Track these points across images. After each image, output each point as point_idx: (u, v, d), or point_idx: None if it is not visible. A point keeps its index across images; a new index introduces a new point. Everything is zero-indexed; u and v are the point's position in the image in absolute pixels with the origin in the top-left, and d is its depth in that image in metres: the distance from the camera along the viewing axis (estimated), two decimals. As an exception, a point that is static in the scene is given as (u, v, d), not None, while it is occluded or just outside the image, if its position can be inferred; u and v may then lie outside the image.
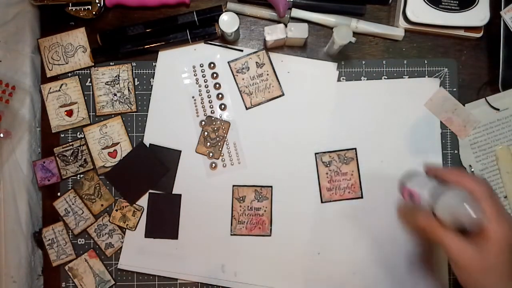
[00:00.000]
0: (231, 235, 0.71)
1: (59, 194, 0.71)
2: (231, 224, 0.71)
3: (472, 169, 0.71)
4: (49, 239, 0.71)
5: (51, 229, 0.71)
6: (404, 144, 0.71)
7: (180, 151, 0.71)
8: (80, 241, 0.71)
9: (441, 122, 0.71)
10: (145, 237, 0.70)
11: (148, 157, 0.70)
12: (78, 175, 0.71)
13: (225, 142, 0.71)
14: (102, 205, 0.71)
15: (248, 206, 0.71)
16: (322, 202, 0.71)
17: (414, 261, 0.70)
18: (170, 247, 0.70)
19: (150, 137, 0.71)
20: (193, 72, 0.72)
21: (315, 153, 0.71)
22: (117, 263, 0.71)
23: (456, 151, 0.71)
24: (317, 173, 0.71)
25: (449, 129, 0.71)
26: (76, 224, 0.71)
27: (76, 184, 0.71)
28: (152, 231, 0.71)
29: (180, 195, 0.71)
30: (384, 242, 0.70)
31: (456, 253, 0.47)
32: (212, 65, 0.72)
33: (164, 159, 0.71)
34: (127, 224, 0.70)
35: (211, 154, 0.71)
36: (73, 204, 0.71)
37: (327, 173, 0.71)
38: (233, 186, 0.71)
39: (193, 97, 0.72)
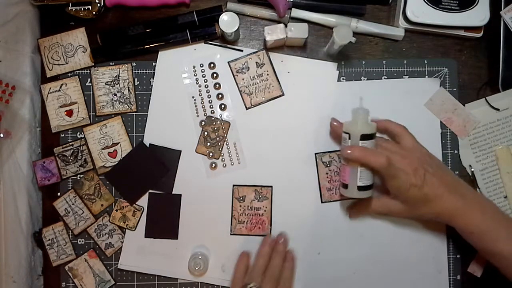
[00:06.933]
0: (231, 235, 0.71)
1: (59, 194, 0.71)
2: (231, 224, 0.71)
3: (472, 169, 0.71)
4: (49, 239, 0.71)
5: (51, 229, 0.71)
6: (404, 144, 0.71)
7: (180, 151, 0.71)
8: (80, 241, 0.71)
9: (441, 122, 0.71)
10: (145, 237, 0.70)
11: (148, 157, 0.70)
12: (78, 175, 0.71)
13: (225, 142, 0.71)
14: (102, 205, 0.71)
15: (248, 206, 0.71)
16: (322, 202, 0.71)
17: (413, 261, 0.70)
18: (170, 247, 0.70)
19: (150, 137, 0.71)
20: (193, 72, 0.72)
21: (315, 153, 0.71)
22: (117, 263, 0.71)
23: (456, 151, 0.71)
24: (317, 173, 0.71)
25: (449, 129, 0.71)
26: (76, 224, 0.71)
27: (76, 184, 0.71)
28: (152, 231, 0.71)
29: (180, 195, 0.71)
30: (384, 242, 0.70)
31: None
32: (212, 65, 0.72)
33: (164, 159, 0.70)
34: (127, 224, 0.70)
35: (211, 154, 0.71)
36: (73, 204, 0.71)
37: (327, 173, 0.71)
38: (233, 186, 0.71)
39: (193, 97, 0.72)
